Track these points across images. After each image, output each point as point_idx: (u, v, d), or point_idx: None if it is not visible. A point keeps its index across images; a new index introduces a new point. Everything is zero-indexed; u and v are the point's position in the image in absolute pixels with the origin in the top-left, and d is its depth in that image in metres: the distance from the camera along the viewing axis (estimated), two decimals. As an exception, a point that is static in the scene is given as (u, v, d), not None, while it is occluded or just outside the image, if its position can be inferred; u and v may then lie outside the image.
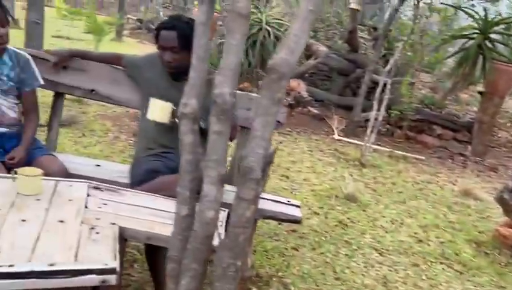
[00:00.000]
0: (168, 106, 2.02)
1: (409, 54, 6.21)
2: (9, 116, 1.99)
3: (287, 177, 3.84)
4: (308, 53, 7.06)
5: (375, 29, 8.34)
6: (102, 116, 4.51)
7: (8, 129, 1.98)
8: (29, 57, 2.07)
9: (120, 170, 2.22)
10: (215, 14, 8.88)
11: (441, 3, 5.30)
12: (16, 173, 1.53)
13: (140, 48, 9.94)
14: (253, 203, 1.09)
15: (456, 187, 4.43)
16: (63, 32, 9.78)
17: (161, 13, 14.79)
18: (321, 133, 5.52)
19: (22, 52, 2.07)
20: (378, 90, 4.51)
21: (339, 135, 5.40)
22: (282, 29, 7.03)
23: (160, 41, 2.08)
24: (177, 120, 1.99)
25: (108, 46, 8.81)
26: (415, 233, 3.26)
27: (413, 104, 5.71)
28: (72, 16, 9.90)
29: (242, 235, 1.11)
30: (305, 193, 3.57)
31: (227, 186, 2.07)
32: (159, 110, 2.02)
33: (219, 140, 1.11)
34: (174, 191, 1.81)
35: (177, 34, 2.03)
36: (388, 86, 4.50)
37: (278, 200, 2.27)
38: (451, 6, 5.61)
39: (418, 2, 4.50)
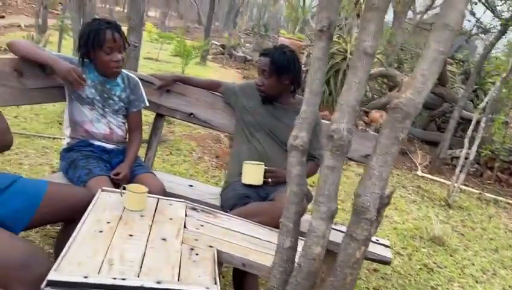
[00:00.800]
0: (261, 169, 2.07)
1: (503, 90, 5.82)
2: (118, 134, 2.14)
3: (367, 211, 3.71)
4: (392, 84, 6.89)
5: (463, 62, 7.96)
6: (187, 137, 4.71)
7: (115, 146, 2.13)
8: (138, 79, 2.23)
9: (211, 192, 2.29)
10: (298, 42, 9.03)
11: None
12: (124, 188, 1.63)
13: (222, 72, 10.32)
14: (364, 244, 1.06)
15: (557, 240, 4.00)
16: (153, 54, 10.45)
17: (242, 40, 15.34)
18: (403, 168, 5.30)
19: (132, 75, 2.23)
20: (471, 127, 4.25)
21: (422, 172, 5.14)
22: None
23: (257, 65, 2.20)
24: (269, 180, 2.05)
25: (193, 69, 9.28)
26: (510, 287, 2.97)
27: (506, 144, 5.31)
28: (162, 39, 10.60)
29: (350, 276, 1.08)
30: (387, 230, 3.42)
31: (307, 217, 2.05)
32: (253, 174, 2.07)
33: (332, 175, 1.10)
34: (265, 218, 1.85)
35: (270, 61, 2.14)
36: (482, 124, 4.22)
37: (366, 237, 2.19)
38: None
39: (521, 37, 4.21)
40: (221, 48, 13.46)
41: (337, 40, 7.14)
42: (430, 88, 0.99)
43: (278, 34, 17.24)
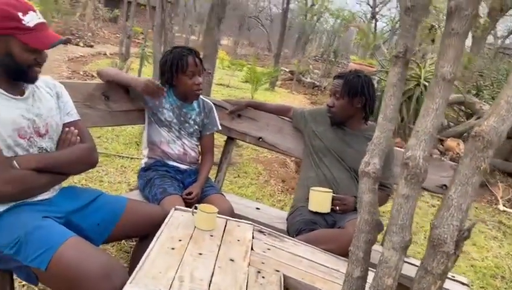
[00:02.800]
0: (328, 196, 2.05)
1: None
2: (191, 155, 2.24)
3: (442, 246, 3.49)
4: (470, 112, 6.53)
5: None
6: (254, 160, 4.78)
7: (189, 167, 2.23)
8: (212, 104, 2.33)
9: (277, 216, 2.30)
10: (368, 67, 8.91)
11: None
12: (196, 208, 1.69)
13: (290, 98, 10.42)
14: (441, 278, 1.00)
15: None
16: (224, 80, 10.84)
17: (311, 66, 15.43)
18: (482, 201, 4.94)
19: (207, 100, 2.34)
20: (562, 160, 3.88)
21: (504, 206, 4.76)
22: (440, 86, 6.67)
23: (330, 87, 2.24)
24: (337, 208, 2.02)
25: (262, 94, 9.47)
26: None
27: None
28: (234, 66, 10.98)
29: (424, 311, 1.02)
30: (464, 267, 3.18)
31: (377, 247, 1.97)
32: (320, 202, 2.05)
33: (406, 204, 1.06)
34: (332, 246, 1.81)
35: (344, 82, 2.14)
36: None
37: (441, 272, 2.06)
38: None
39: None
40: (290, 74, 13.64)
41: (410, 65, 6.94)
42: (516, 116, 0.93)
43: (348, 60, 17.13)
